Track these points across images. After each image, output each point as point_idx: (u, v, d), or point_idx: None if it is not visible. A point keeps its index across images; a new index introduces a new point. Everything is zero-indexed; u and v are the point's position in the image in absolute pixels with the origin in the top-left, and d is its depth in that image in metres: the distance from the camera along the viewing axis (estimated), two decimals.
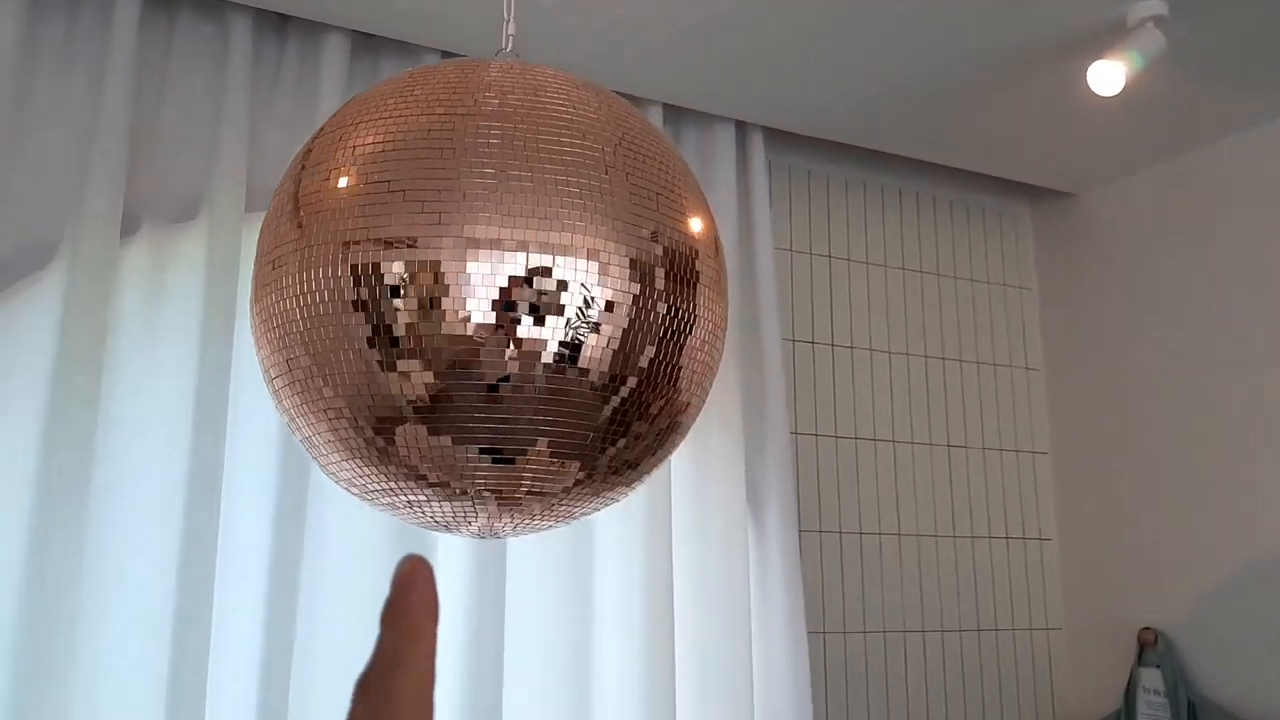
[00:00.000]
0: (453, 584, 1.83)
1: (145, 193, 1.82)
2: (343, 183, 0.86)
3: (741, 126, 2.32)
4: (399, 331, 0.81)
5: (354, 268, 0.82)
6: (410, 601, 0.33)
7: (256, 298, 0.90)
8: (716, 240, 0.96)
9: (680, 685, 1.94)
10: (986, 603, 2.39)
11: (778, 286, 2.25)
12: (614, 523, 1.97)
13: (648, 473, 0.97)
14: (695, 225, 0.91)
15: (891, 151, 2.41)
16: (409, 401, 0.83)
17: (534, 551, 1.91)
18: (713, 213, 0.99)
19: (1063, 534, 2.52)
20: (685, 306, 0.86)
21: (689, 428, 0.97)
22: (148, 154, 1.83)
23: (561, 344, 0.80)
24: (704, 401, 0.97)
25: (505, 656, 1.83)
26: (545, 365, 0.80)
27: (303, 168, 0.90)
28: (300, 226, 0.86)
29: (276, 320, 0.88)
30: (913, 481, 2.37)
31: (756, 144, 2.32)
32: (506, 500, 0.89)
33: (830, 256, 2.42)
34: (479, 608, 1.82)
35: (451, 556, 1.84)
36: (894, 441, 2.37)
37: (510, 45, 1.06)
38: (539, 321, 0.80)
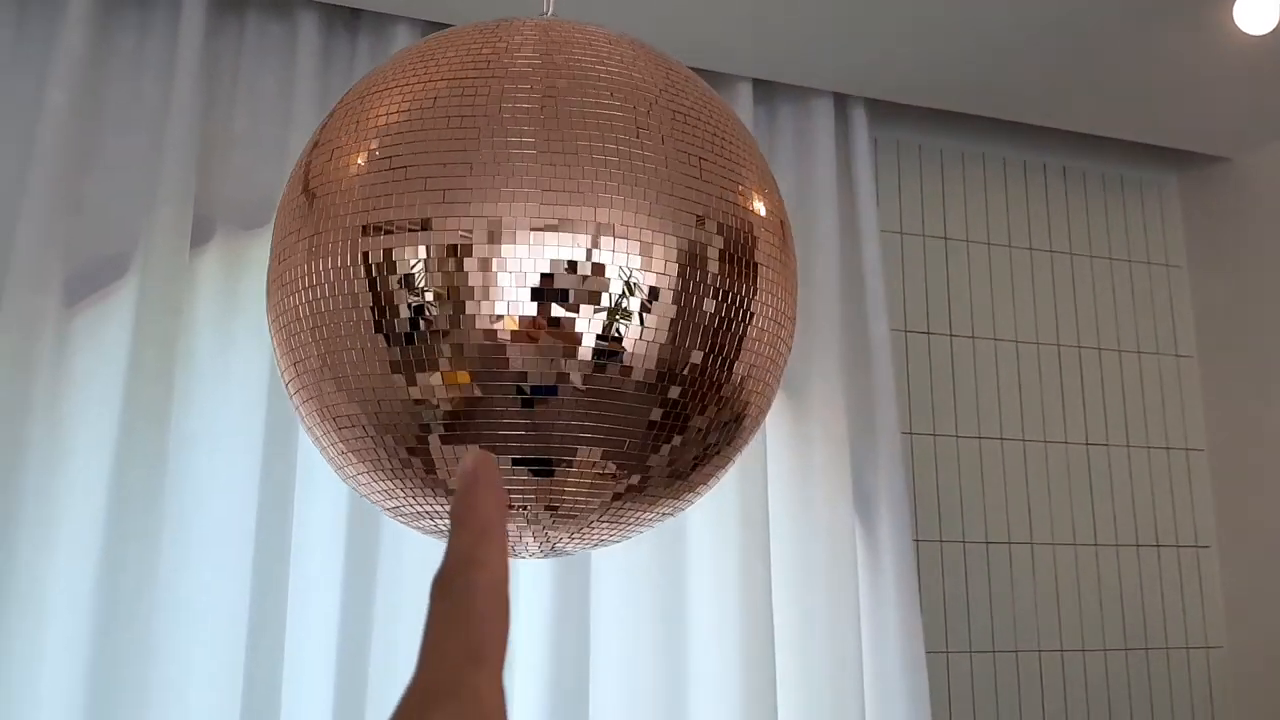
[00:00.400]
0: (534, 595, 1.72)
1: (217, 199, 1.78)
2: (353, 162, 0.76)
3: (841, 99, 2.14)
4: (415, 329, 0.70)
5: (364, 256, 0.73)
6: (478, 498, 0.33)
7: (268, 295, 0.81)
8: (783, 218, 0.82)
9: (783, 710, 1.78)
10: (1135, 618, 2.14)
11: (885, 272, 2.06)
12: (706, 535, 1.83)
13: (713, 476, 0.84)
14: (756, 201, 0.78)
15: (1012, 119, 2.19)
16: (431, 409, 0.73)
17: (619, 564, 1.79)
18: (777, 188, 0.85)
19: (1222, 540, 2.23)
20: (742, 293, 0.74)
21: (755, 427, 0.83)
22: (220, 159, 1.79)
23: (600, 339, 0.69)
24: (770, 398, 0.82)
25: (590, 675, 1.71)
26: (583, 363, 0.69)
27: (314, 146, 0.81)
28: (307, 213, 0.77)
29: (284, 320, 0.78)
30: (1046, 485, 2.13)
31: (859, 117, 2.13)
32: (556, 514, 0.78)
33: (946, 238, 2.21)
34: (561, 622, 1.70)
35: (533, 566, 1.73)
36: (1024, 440, 2.14)
37: (550, 8, 0.95)
38: (573, 312, 0.69)
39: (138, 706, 1.54)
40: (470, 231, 0.71)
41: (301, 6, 1.84)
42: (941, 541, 2.03)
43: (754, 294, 0.75)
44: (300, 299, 0.76)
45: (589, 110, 0.75)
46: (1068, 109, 2.14)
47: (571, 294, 0.69)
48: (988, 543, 2.05)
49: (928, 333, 2.14)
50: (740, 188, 0.78)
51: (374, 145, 0.76)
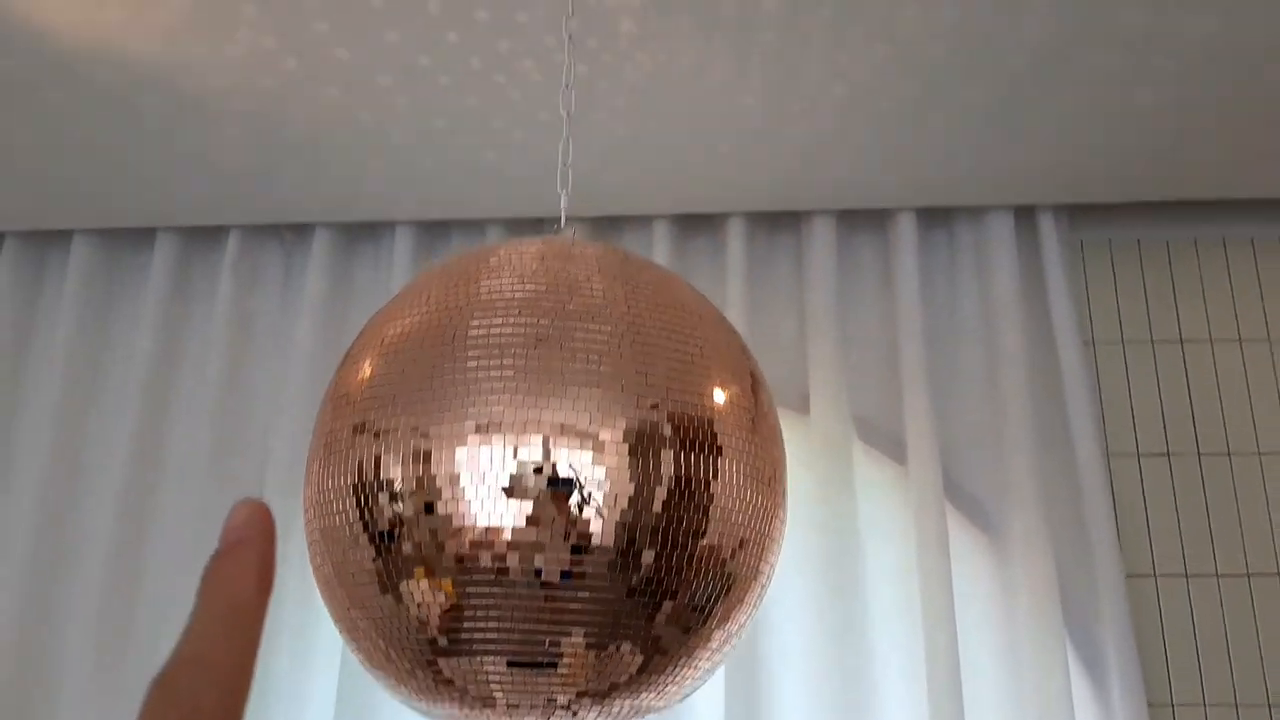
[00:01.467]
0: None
1: None
2: (359, 374, 0.86)
3: (1025, 210, 2.00)
4: (396, 531, 0.77)
5: (358, 465, 0.81)
6: (234, 563, 0.26)
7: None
8: (754, 395, 0.86)
9: None
10: None
11: (1087, 387, 1.86)
12: (893, 702, 1.69)
13: (727, 630, 0.83)
14: (715, 390, 0.82)
15: (1223, 197, 1.94)
16: (419, 621, 0.79)
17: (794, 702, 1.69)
18: (753, 369, 0.88)
19: None
20: (700, 470, 0.78)
21: (756, 571, 0.83)
22: None
23: (566, 529, 0.74)
24: (762, 558, 0.83)
25: None
26: (549, 558, 0.74)
27: (343, 359, 0.92)
28: (325, 419, 0.87)
29: (306, 514, 0.87)
30: None
31: (1047, 224, 1.98)
32: (590, 698, 0.82)
33: (1180, 340, 1.95)
34: None
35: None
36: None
37: (564, 221, 1.04)
38: (539, 509, 0.74)
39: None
40: (435, 439, 0.78)
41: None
42: (1176, 705, 1.72)
43: (714, 469, 0.78)
44: (312, 496, 0.85)
45: (564, 330, 0.82)
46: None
47: (535, 493, 0.74)
48: (1237, 705, 1.71)
49: (1167, 454, 1.88)
50: (701, 383, 0.82)
51: (377, 359, 0.85)
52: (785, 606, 1.77)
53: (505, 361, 0.80)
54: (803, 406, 1.91)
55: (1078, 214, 2.04)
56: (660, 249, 1.98)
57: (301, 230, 2.05)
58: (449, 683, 0.80)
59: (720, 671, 1.75)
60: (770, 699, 1.72)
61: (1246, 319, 1.97)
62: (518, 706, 0.81)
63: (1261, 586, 1.79)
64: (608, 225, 2.04)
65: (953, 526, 1.82)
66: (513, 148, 1.72)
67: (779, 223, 2.03)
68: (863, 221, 2.02)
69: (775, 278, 2.01)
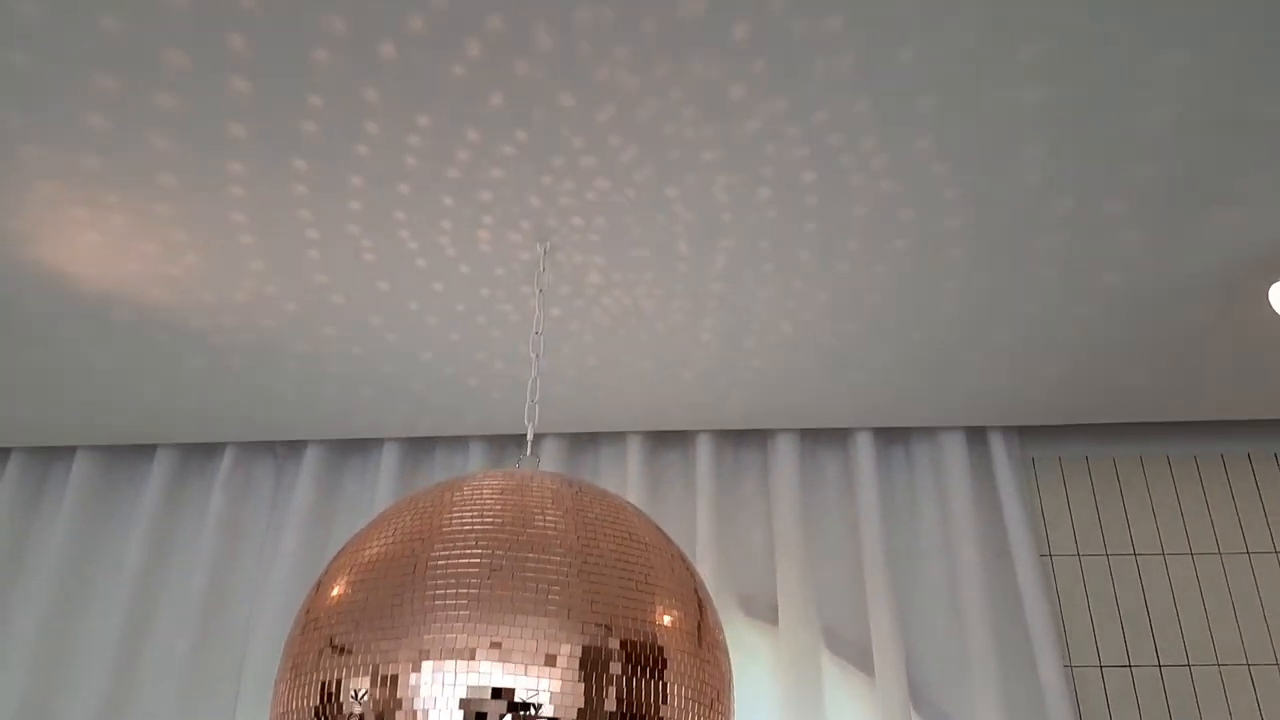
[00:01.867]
0: None
1: None
2: (327, 598, 0.93)
3: (975, 431, 2.13)
4: None
5: (322, 687, 0.88)
6: None
7: None
8: (700, 616, 0.94)
9: None
10: None
11: (1047, 600, 1.92)
12: None
13: None
14: (661, 612, 0.91)
15: (1164, 420, 2.07)
16: None
17: None
18: (699, 589, 0.97)
19: None
20: (647, 684, 0.85)
21: None
22: None
23: None
24: None
25: None
26: None
27: (315, 585, 0.99)
28: (294, 640, 0.94)
29: None
30: None
31: (998, 444, 2.10)
32: None
33: (1134, 553, 2.04)
34: None
35: None
36: None
37: (529, 450, 1.13)
38: None
39: None
40: (395, 663, 0.85)
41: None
42: None
43: (661, 683, 0.86)
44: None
45: (517, 568, 0.91)
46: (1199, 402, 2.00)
47: (488, 710, 0.81)
48: None
49: (1129, 666, 1.93)
50: (648, 607, 0.91)
51: (336, 588, 0.93)
52: None
53: (462, 591, 0.88)
54: (772, 618, 1.97)
55: (1027, 433, 2.16)
56: (634, 462, 2.09)
57: (294, 446, 2.17)
58: None
59: None
60: None
61: (1195, 532, 2.06)
62: None
63: None
64: (587, 440, 2.16)
65: None
66: (494, 375, 1.86)
67: (746, 439, 2.16)
68: (825, 439, 2.14)
69: (743, 492, 2.11)
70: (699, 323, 1.72)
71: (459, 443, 2.17)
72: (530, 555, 0.91)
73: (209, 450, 2.18)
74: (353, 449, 2.18)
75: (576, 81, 1.18)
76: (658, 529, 1.02)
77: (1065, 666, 1.88)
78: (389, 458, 2.11)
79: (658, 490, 2.11)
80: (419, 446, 2.17)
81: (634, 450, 2.11)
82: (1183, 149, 1.33)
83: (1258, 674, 1.92)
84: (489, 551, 0.91)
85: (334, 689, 0.86)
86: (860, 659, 1.94)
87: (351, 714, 0.85)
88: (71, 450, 2.20)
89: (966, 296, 1.66)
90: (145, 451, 2.19)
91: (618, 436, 2.15)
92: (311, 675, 0.89)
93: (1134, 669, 1.93)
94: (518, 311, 1.66)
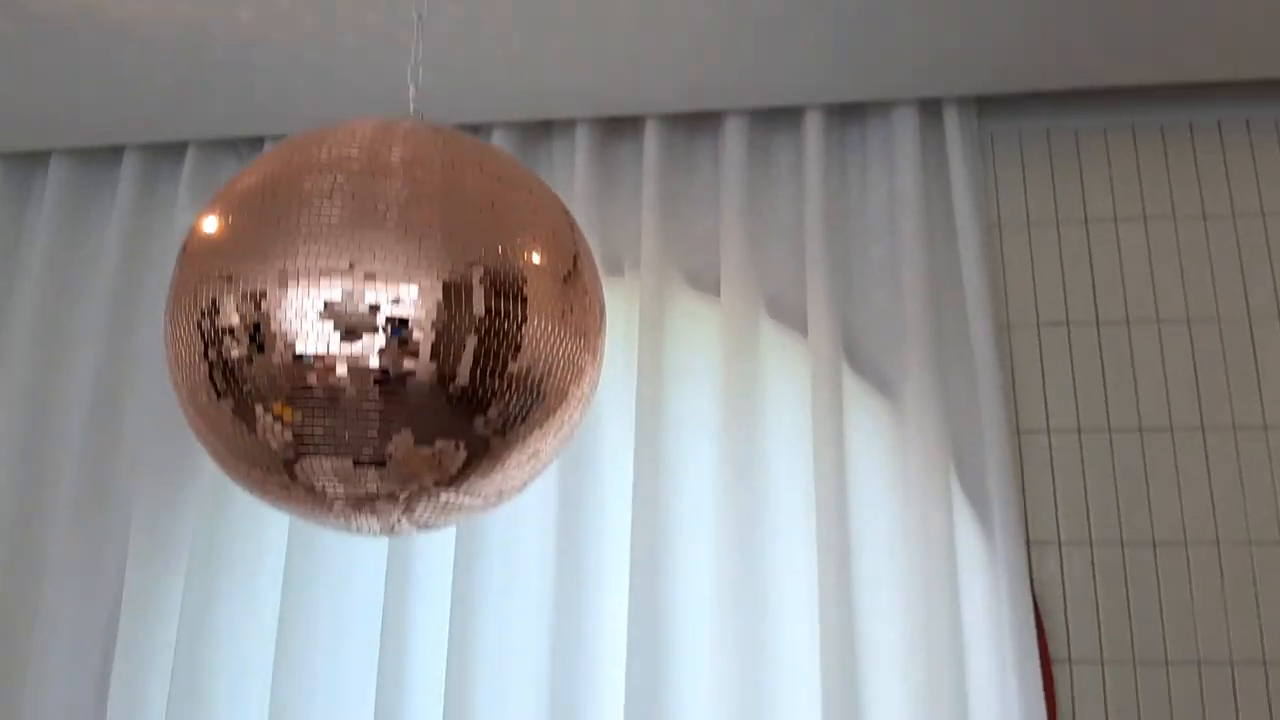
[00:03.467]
0: (615, 600, 1.79)
1: None
2: (202, 230, 0.96)
3: (930, 104, 2.09)
4: (238, 368, 0.89)
5: (200, 314, 0.92)
6: None
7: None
8: (573, 266, 0.97)
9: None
10: None
11: (986, 263, 1.94)
12: (783, 542, 1.80)
13: (542, 438, 0.95)
14: (525, 247, 0.93)
15: (1131, 84, 2.01)
16: (272, 439, 0.90)
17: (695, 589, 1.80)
18: (578, 244, 0.99)
19: None
20: (511, 310, 0.89)
21: (565, 394, 0.95)
22: None
23: (381, 355, 0.86)
24: (571, 379, 0.96)
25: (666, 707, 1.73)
26: (375, 378, 0.86)
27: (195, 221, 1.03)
28: (174, 274, 0.98)
29: (169, 364, 0.98)
30: (1206, 476, 1.83)
31: (952, 116, 2.07)
32: (422, 492, 0.93)
33: (1085, 220, 2.03)
34: (635, 651, 1.75)
35: (613, 573, 1.80)
36: (1171, 430, 1.86)
37: (413, 108, 1.15)
38: (355, 340, 0.86)
39: None
40: (272, 281, 0.88)
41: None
42: (1064, 543, 1.80)
43: (524, 311, 0.90)
44: (168, 344, 0.97)
45: (385, 191, 0.92)
46: (1200, 58, 1.92)
47: (356, 326, 0.86)
48: (1123, 543, 1.79)
49: (1066, 323, 1.96)
50: (513, 241, 0.93)
51: (222, 214, 0.96)
52: (693, 460, 1.89)
53: (328, 215, 0.90)
54: (717, 290, 2.02)
55: (986, 108, 2.12)
56: (582, 152, 2.10)
57: (255, 144, 2.22)
58: (302, 485, 0.91)
59: (626, 488, 1.88)
60: (670, 529, 1.84)
61: (1152, 198, 2.04)
62: (359, 498, 0.91)
63: (1152, 441, 1.87)
64: (539, 131, 2.17)
65: (854, 392, 1.92)
66: (429, 62, 1.87)
67: (697, 127, 2.15)
68: (778, 122, 2.13)
69: (694, 180, 2.12)
70: None
71: None
72: (397, 185, 0.91)
73: (174, 151, 2.26)
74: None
75: None
76: (540, 180, 1.02)
77: (999, 324, 1.92)
78: None
79: (609, 182, 2.13)
80: None
81: (583, 141, 2.11)
82: None
83: (1168, 331, 1.94)
84: (355, 180, 0.91)
85: (210, 307, 0.90)
86: (799, 323, 1.99)
87: (229, 327, 0.89)
88: (46, 154, 2.29)
89: None
90: (115, 154, 2.27)
91: (568, 127, 2.16)
92: (190, 300, 0.92)
93: (1071, 326, 1.97)
94: None
